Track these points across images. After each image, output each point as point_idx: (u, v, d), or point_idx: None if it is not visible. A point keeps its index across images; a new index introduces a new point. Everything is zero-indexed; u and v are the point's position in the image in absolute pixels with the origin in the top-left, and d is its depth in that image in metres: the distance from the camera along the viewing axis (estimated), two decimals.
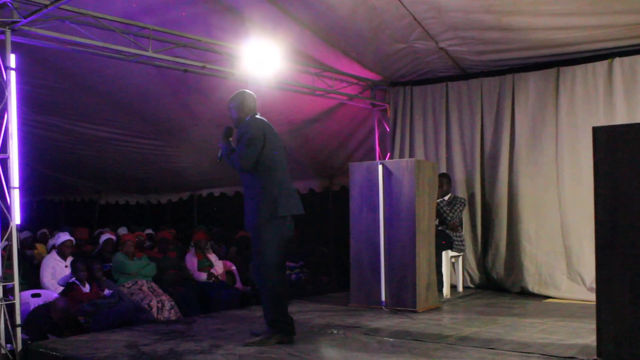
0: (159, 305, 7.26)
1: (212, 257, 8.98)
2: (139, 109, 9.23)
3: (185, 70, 7.30)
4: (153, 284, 7.71)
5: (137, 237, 8.62)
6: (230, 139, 5.39)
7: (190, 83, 8.19)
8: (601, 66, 7.55)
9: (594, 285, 6.99)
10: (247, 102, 5.38)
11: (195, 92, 8.62)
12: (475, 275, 8.50)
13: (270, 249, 5.15)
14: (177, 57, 6.91)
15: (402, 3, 6.84)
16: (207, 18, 7.15)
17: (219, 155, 5.41)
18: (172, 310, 7.34)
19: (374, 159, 9.48)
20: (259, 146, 5.14)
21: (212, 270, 8.67)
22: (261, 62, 7.16)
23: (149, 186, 13.98)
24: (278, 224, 5.15)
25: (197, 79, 7.91)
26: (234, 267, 9.22)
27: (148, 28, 6.58)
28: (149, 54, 6.58)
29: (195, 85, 8.31)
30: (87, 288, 7.04)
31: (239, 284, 9.01)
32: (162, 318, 7.12)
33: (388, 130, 9.46)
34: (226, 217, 13.06)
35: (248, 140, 5.14)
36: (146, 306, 7.12)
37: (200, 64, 7.11)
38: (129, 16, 6.51)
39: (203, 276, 8.54)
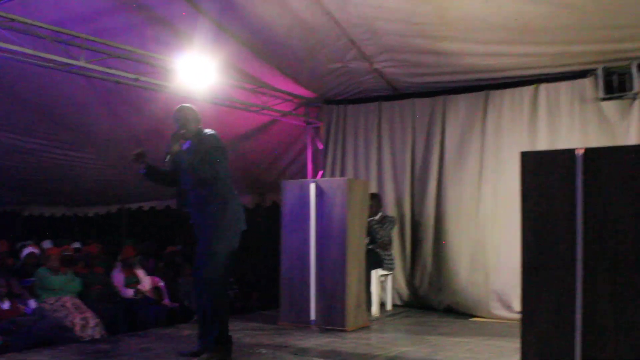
0: (83, 322, 6.99)
1: (140, 272, 8.75)
2: (68, 120, 8.94)
3: (118, 82, 7.12)
4: (77, 301, 7.42)
5: (63, 251, 8.32)
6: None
7: (122, 95, 8.00)
8: (527, 91, 7.77)
9: (514, 305, 7.19)
10: (197, 115, 5.32)
11: (128, 104, 8.43)
12: (404, 293, 8.56)
13: (224, 264, 5.06)
14: (109, 68, 6.73)
15: (338, 24, 6.89)
16: (141, 29, 7.01)
17: (167, 158, 5.17)
18: (97, 328, 7.07)
19: (306, 176, 9.47)
20: (227, 157, 5.16)
21: (140, 287, 8.44)
22: (196, 76, 7.06)
23: (76, 198, 13.56)
24: (233, 237, 5.11)
25: (130, 91, 7.73)
26: (162, 283, 9.01)
27: (80, 37, 6.39)
28: (81, 63, 6.39)
29: (128, 98, 8.12)
30: (6, 305, 6.74)
31: (166, 300, 8.81)
32: (86, 336, 6.86)
33: (321, 147, 9.47)
34: (155, 231, 12.77)
35: (222, 149, 5.12)
36: (69, 324, 6.85)
37: (134, 76, 6.95)
38: (60, 24, 6.30)
39: (130, 292, 8.30)
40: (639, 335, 3.94)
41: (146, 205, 13.01)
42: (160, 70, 7.23)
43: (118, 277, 8.49)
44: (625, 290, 3.99)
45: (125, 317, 7.70)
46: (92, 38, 6.49)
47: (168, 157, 5.17)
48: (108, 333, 7.13)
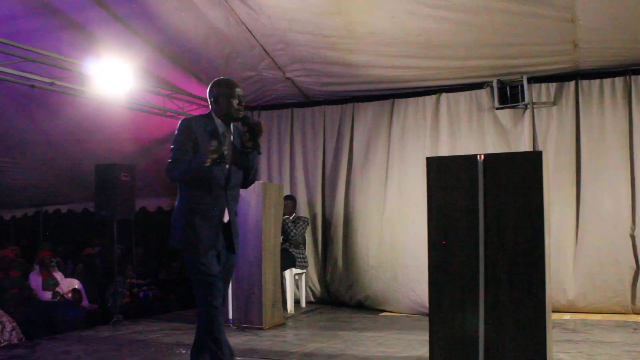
0: None
1: (58, 275, 8.36)
2: None
3: (33, 86, 6.74)
4: None
5: None
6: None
7: (37, 99, 7.58)
8: (430, 100, 7.92)
9: (420, 300, 7.29)
10: None
11: (43, 108, 8.00)
12: (317, 290, 8.54)
13: None
14: (24, 71, 6.36)
15: (252, 35, 6.81)
16: (57, 34, 6.67)
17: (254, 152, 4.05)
18: (14, 332, 6.70)
19: None
20: None
21: (58, 289, 8.05)
22: (112, 80, 6.81)
23: None
24: None
25: (46, 95, 7.34)
26: (80, 285, 8.61)
27: None
28: None
29: (44, 102, 7.72)
30: None
31: (85, 302, 8.44)
32: (2, 341, 6.47)
33: None
34: (73, 234, 12.23)
35: None
36: None
37: (49, 80, 6.61)
38: None
39: (48, 295, 7.91)
40: (535, 327, 4.06)
41: (64, 208, 12.43)
42: (77, 74, 6.90)
43: (35, 280, 8.09)
44: (523, 285, 4.09)
45: (43, 321, 7.31)
46: (5, 41, 6.11)
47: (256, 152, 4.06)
48: (26, 337, 6.75)
